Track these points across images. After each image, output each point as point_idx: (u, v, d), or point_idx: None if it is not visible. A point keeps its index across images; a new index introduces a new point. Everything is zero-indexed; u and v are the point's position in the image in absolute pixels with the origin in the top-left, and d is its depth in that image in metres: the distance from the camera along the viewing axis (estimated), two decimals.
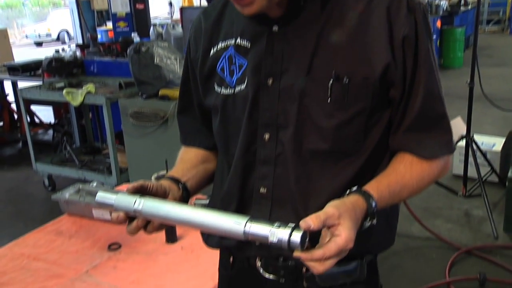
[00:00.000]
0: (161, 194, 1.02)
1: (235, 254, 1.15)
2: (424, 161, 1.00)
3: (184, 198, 1.09)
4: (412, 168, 0.99)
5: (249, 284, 1.14)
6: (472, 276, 2.92)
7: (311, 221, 0.81)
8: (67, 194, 2.13)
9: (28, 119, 5.24)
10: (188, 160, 1.20)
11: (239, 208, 1.07)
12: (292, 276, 1.05)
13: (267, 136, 1.00)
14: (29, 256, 1.85)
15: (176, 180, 1.09)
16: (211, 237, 1.16)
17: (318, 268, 0.83)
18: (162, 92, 3.61)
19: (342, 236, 0.81)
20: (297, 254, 0.83)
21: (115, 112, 3.89)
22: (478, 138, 3.98)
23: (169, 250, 1.83)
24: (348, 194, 0.94)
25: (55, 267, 1.76)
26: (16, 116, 6.06)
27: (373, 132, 0.99)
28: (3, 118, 5.94)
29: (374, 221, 0.92)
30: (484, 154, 3.92)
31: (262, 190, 1.03)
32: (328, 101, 0.94)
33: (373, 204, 0.91)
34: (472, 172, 3.87)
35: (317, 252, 0.82)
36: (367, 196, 0.92)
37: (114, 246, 1.88)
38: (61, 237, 1.98)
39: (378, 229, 0.96)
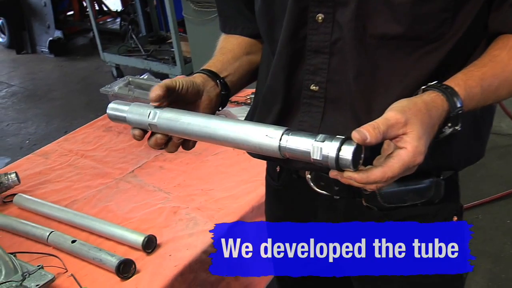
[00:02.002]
0: (193, 95, 0.85)
1: (280, 164, 0.97)
2: None
3: (223, 97, 0.91)
4: None
5: (299, 198, 0.99)
6: None
7: (367, 131, 0.62)
8: (116, 87, 2.01)
9: (97, 7, 5.16)
10: (230, 51, 1.00)
11: (284, 110, 0.88)
12: (348, 193, 0.88)
13: (320, 16, 0.79)
14: (77, 152, 1.82)
15: (214, 74, 0.90)
16: None
17: (374, 188, 0.68)
18: None
19: (408, 149, 0.65)
20: (348, 175, 0.66)
21: None
22: None
23: (219, 150, 1.72)
24: (423, 90, 0.72)
25: (101, 165, 1.72)
26: (85, 4, 6.01)
27: (465, 9, 0.74)
28: (73, 6, 5.90)
29: (458, 127, 0.72)
30: None
31: (313, 87, 0.84)
32: None
33: (458, 104, 0.70)
34: None
35: (375, 173, 0.65)
36: (449, 93, 0.70)
37: None
38: (110, 133, 1.92)
39: (462, 138, 0.78)
